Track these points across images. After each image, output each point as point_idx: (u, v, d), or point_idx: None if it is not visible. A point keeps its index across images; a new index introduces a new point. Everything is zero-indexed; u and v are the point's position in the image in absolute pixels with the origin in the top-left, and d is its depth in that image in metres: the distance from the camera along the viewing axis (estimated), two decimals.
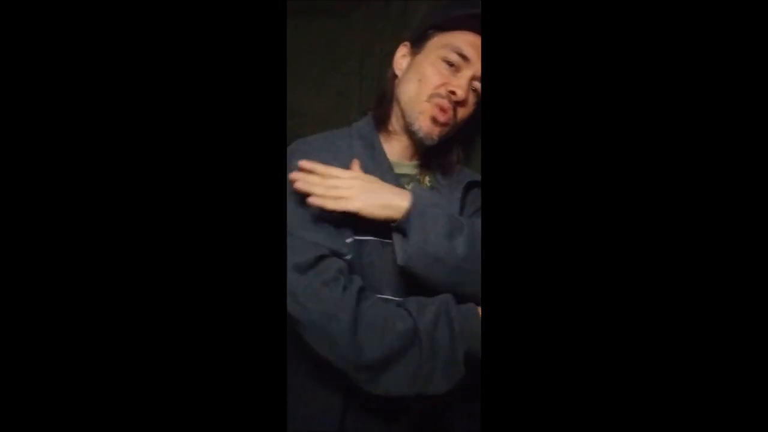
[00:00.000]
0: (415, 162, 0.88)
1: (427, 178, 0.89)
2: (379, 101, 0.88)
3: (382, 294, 0.75)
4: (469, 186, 0.87)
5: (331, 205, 0.71)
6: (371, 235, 0.76)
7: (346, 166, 0.77)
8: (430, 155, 0.89)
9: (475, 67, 0.80)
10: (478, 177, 0.89)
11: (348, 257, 0.73)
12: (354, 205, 0.72)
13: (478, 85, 0.81)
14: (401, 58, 0.87)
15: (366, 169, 0.78)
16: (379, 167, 0.81)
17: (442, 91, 0.79)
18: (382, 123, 0.86)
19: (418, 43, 0.85)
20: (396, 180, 0.82)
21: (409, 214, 0.72)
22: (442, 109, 0.80)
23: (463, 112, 0.83)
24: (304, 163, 0.73)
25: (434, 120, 0.80)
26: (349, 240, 0.75)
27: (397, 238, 0.74)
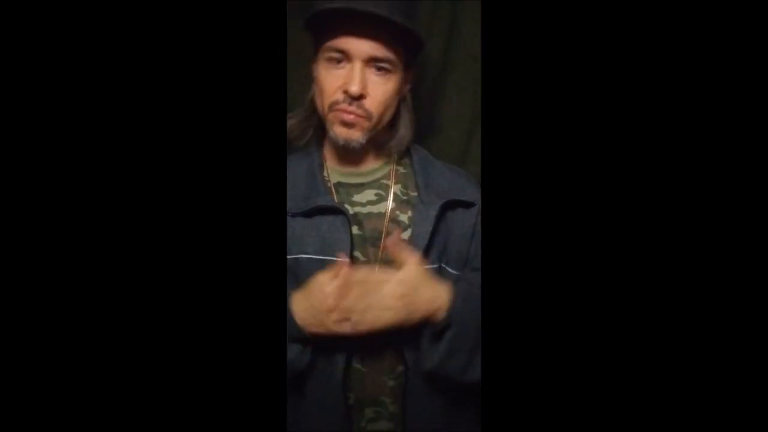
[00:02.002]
0: (372, 166, 0.84)
1: (398, 187, 0.83)
2: (305, 107, 0.83)
3: None
4: (447, 205, 0.81)
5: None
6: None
7: (297, 195, 0.77)
8: (385, 146, 0.83)
9: (360, 53, 0.73)
10: (462, 193, 0.83)
11: None
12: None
13: (379, 64, 0.75)
14: (313, 64, 0.81)
15: (305, 190, 0.77)
16: (314, 180, 0.79)
17: (339, 95, 0.75)
18: (306, 131, 0.83)
19: (316, 49, 0.80)
20: (337, 191, 0.80)
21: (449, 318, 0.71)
22: (347, 112, 0.75)
23: (375, 99, 0.76)
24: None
25: (345, 124, 0.76)
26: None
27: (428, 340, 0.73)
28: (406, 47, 0.77)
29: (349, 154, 0.82)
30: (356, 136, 0.76)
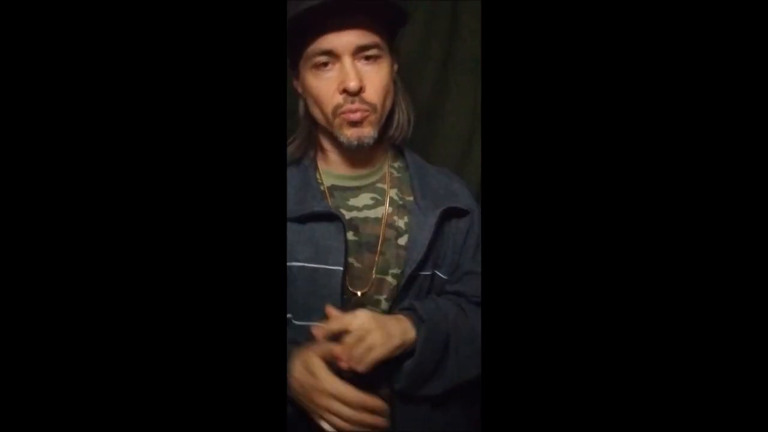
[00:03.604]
0: (369, 169, 0.82)
1: (394, 191, 0.82)
2: (300, 129, 0.82)
3: None
4: (447, 213, 0.80)
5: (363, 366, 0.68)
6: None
7: (289, 201, 0.76)
8: (385, 136, 0.81)
9: (345, 47, 0.72)
10: (458, 200, 0.81)
11: None
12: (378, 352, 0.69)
13: (366, 53, 0.72)
14: (294, 81, 0.80)
15: (298, 195, 0.76)
16: (307, 186, 0.78)
17: (338, 98, 0.73)
18: (308, 150, 0.82)
19: (293, 64, 0.78)
20: (331, 195, 0.79)
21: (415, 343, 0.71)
22: (352, 111, 0.73)
23: (375, 89, 0.74)
24: (317, 331, 0.69)
25: (353, 124, 0.74)
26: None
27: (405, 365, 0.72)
28: (388, 26, 0.75)
29: (351, 158, 0.81)
30: (367, 132, 0.74)
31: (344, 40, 0.71)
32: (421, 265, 0.76)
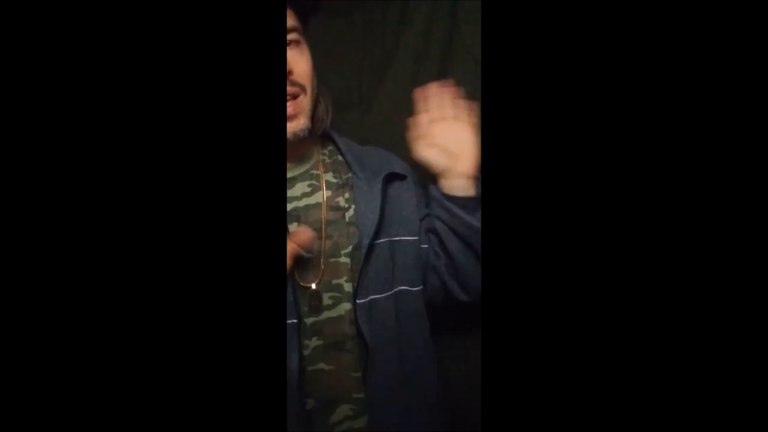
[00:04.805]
0: (298, 159, 0.81)
1: (330, 175, 0.81)
2: None
3: None
4: (389, 178, 0.81)
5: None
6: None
7: None
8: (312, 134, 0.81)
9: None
10: (395, 167, 0.83)
11: None
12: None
13: (288, 36, 0.73)
14: None
15: None
16: None
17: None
18: None
19: None
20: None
21: None
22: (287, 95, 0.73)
23: (301, 73, 0.74)
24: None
25: (288, 117, 0.73)
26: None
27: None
28: (302, 13, 0.76)
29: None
30: (302, 123, 0.75)
31: None
32: (377, 233, 0.76)
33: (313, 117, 0.79)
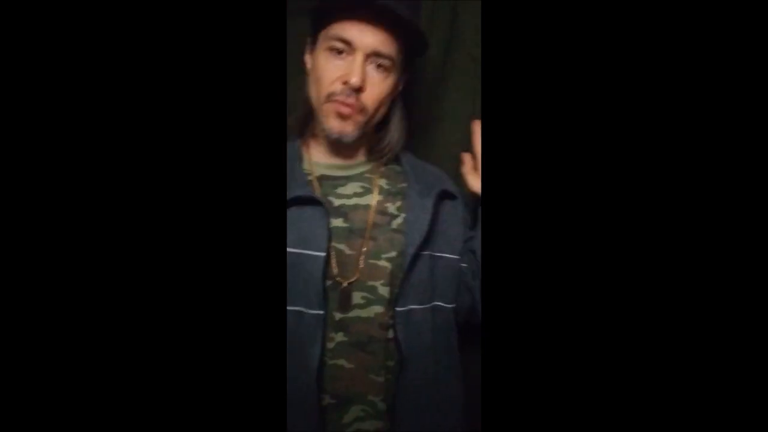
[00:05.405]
0: (358, 160, 0.84)
1: (384, 181, 0.83)
2: (297, 107, 0.83)
3: None
4: (441, 195, 0.83)
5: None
6: None
7: None
8: (375, 148, 0.84)
9: (365, 46, 0.73)
10: (448, 186, 0.85)
11: None
12: None
13: (379, 60, 0.75)
14: (307, 56, 0.82)
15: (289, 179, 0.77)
16: (292, 173, 0.78)
17: (337, 86, 0.74)
18: (305, 127, 0.84)
19: (312, 39, 0.79)
20: (320, 184, 0.80)
21: None
22: (344, 104, 0.75)
23: (372, 95, 0.76)
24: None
25: (340, 116, 0.75)
26: None
27: None
28: (408, 48, 0.78)
29: (337, 149, 0.82)
30: (349, 129, 0.76)
31: (366, 39, 0.73)
32: (423, 245, 0.77)
33: (379, 139, 0.83)
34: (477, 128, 0.84)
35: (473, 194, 0.86)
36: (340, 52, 0.74)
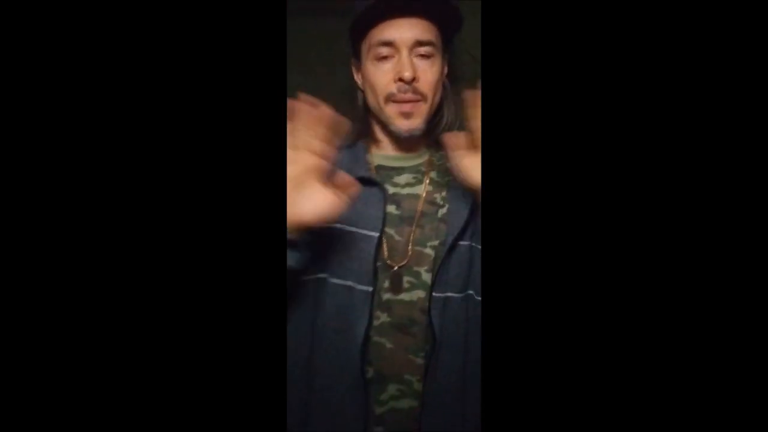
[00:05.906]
0: (416, 153, 0.90)
1: (434, 173, 0.88)
2: (356, 117, 0.89)
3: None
4: (476, 207, 0.84)
5: None
6: None
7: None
8: (433, 133, 0.89)
9: (406, 40, 0.80)
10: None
11: None
12: None
13: (422, 49, 0.81)
14: (356, 74, 0.90)
15: (345, 169, 0.79)
16: (357, 162, 0.85)
17: (393, 86, 0.81)
18: (364, 134, 0.90)
19: (357, 56, 0.87)
20: (377, 173, 0.85)
21: None
22: (405, 101, 0.81)
23: (426, 82, 0.82)
24: None
25: (405, 115, 0.82)
26: None
27: None
28: (443, 29, 0.83)
29: (399, 143, 0.87)
30: (416, 123, 0.82)
31: (405, 34, 0.79)
32: (461, 234, 0.81)
33: (437, 122, 0.88)
34: (476, 100, 0.81)
35: (470, 186, 0.80)
36: (385, 57, 0.81)
